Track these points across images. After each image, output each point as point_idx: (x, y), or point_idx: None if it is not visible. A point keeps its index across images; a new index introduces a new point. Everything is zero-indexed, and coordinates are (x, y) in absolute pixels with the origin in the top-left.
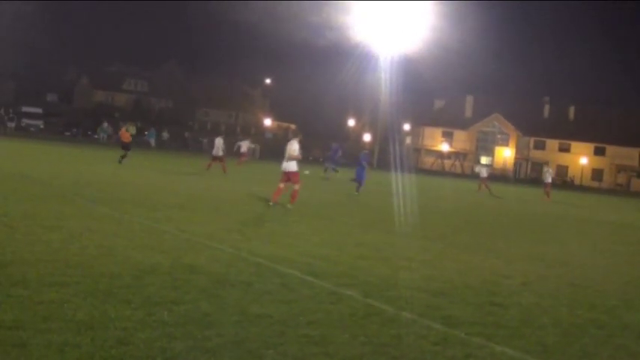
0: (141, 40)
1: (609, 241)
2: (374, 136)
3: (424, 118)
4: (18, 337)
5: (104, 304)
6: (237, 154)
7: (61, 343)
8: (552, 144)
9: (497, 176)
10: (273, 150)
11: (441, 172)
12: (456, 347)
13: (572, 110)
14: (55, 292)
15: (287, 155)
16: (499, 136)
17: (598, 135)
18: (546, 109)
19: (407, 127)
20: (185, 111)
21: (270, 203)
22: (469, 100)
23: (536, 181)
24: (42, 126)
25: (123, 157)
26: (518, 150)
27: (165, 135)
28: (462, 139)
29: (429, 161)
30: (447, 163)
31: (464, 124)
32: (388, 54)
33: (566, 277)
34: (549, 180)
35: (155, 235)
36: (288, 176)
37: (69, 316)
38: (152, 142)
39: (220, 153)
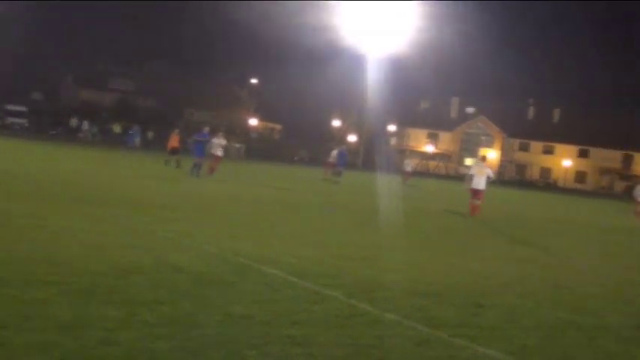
0: (127, 38)
1: (591, 242)
2: (359, 137)
3: (409, 119)
4: (0, 337)
5: (87, 304)
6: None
7: (43, 343)
8: (536, 146)
9: None
10: (259, 150)
11: (425, 173)
12: (439, 348)
13: (556, 112)
14: (38, 291)
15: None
16: (484, 138)
17: (582, 137)
18: (531, 110)
19: (392, 128)
20: (171, 110)
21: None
22: (454, 101)
23: (520, 182)
24: (26, 124)
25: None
26: (503, 151)
27: (150, 134)
28: (446, 141)
29: (413, 162)
30: (432, 164)
31: (449, 126)
32: (374, 55)
33: (548, 278)
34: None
35: (139, 234)
36: None
37: (52, 316)
38: (137, 141)
39: (219, 152)
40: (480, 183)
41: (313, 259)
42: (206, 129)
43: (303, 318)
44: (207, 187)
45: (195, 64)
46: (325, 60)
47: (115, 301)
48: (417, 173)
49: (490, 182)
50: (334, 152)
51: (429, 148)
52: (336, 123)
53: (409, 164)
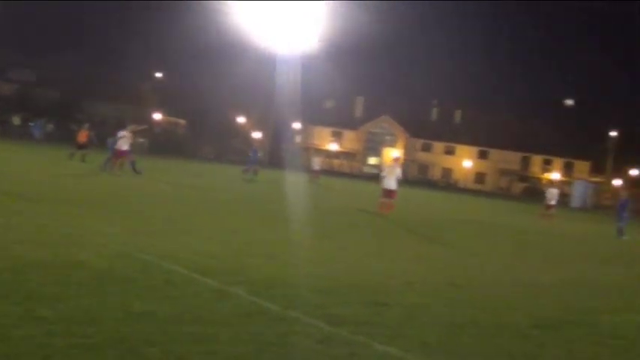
0: (27, 27)
1: (490, 242)
2: (264, 134)
3: (314, 117)
4: None
5: None
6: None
7: None
8: (439, 146)
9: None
10: (162, 145)
11: (330, 172)
12: (340, 346)
13: (458, 114)
14: None
15: None
16: (388, 137)
17: (482, 139)
18: (434, 111)
19: (297, 125)
20: (73, 103)
21: None
22: (359, 100)
23: (422, 182)
24: None
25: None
26: (406, 151)
27: (49, 127)
28: (351, 139)
29: (318, 160)
30: (336, 162)
31: (353, 125)
32: (281, 53)
33: (447, 276)
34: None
35: (38, 229)
36: None
37: None
38: (37, 133)
39: (125, 147)
40: (390, 183)
41: (217, 255)
42: (129, 127)
43: (205, 315)
44: (113, 182)
45: (99, 56)
46: (232, 57)
47: (11, 297)
48: (321, 171)
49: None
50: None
51: (333, 147)
52: (241, 119)
53: (317, 163)
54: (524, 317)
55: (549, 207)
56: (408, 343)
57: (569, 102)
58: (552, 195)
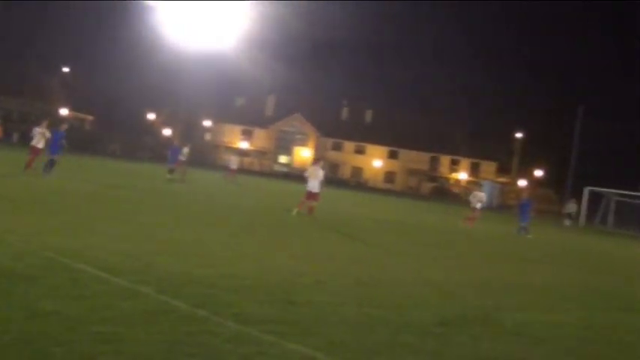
0: None
1: (399, 241)
2: (174, 131)
3: (225, 115)
4: None
5: None
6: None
7: None
8: (349, 146)
9: (295, 176)
10: (69, 141)
11: (240, 170)
12: (249, 345)
13: (369, 113)
14: None
15: None
16: (298, 136)
17: (392, 139)
18: (345, 111)
19: (208, 123)
20: None
21: None
22: (270, 99)
23: (332, 181)
24: None
25: None
26: (317, 150)
27: None
28: (261, 138)
29: (235, 159)
30: (246, 160)
31: (264, 123)
32: (192, 49)
33: (357, 275)
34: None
35: None
36: None
37: None
38: None
39: (40, 145)
40: (314, 186)
41: (128, 254)
42: (64, 126)
43: (113, 314)
44: (26, 181)
45: (3, 48)
46: (143, 53)
47: None
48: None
49: (304, 180)
50: (185, 149)
51: (244, 145)
52: (151, 116)
53: (235, 162)
54: (430, 315)
55: (474, 210)
56: (316, 341)
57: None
58: (478, 198)
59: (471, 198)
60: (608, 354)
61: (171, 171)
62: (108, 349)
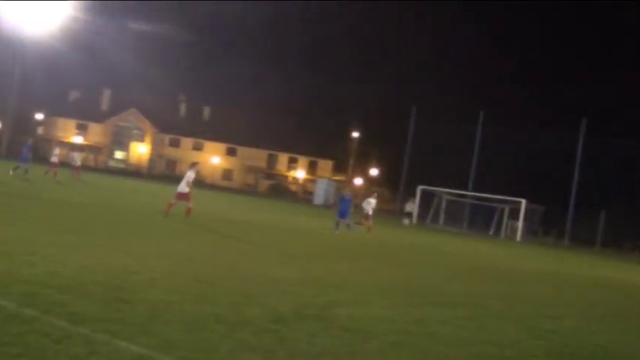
0: None
1: (237, 238)
2: (3, 125)
3: (59, 108)
4: None
5: None
6: None
7: None
8: (187, 142)
9: (132, 172)
10: None
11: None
12: (80, 345)
13: (207, 110)
14: None
15: None
16: (135, 132)
17: (230, 136)
18: (182, 107)
19: (40, 116)
20: None
21: None
22: (106, 93)
23: (169, 177)
24: None
25: None
26: (154, 146)
27: None
28: (97, 133)
29: (62, 153)
30: (82, 156)
31: (99, 117)
32: (22, 39)
33: (192, 273)
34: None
35: None
36: None
37: None
38: None
39: None
40: (182, 186)
41: None
42: (30, 140)
43: None
44: None
45: None
46: None
47: None
48: (64, 164)
49: (140, 176)
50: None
51: (78, 140)
52: None
53: (77, 158)
54: (265, 312)
55: (367, 217)
56: (150, 339)
57: (316, 103)
58: (370, 205)
59: (364, 205)
60: (431, 346)
61: (16, 168)
62: None
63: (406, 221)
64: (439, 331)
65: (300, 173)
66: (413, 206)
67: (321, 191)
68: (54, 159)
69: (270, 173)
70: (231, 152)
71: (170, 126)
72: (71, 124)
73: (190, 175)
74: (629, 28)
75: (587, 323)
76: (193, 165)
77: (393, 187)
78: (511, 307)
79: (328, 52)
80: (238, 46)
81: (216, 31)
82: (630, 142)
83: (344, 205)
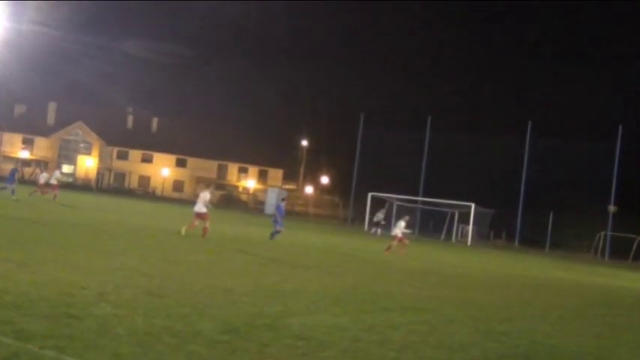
0: None
1: (184, 250)
2: None
3: (4, 123)
4: None
5: None
6: None
7: None
8: (135, 154)
9: (79, 186)
10: None
11: (20, 180)
12: None
13: (155, 122)
14: None
15: None
16: (82, 145)
17: (179, 147)
18: (130, 119)
19: None
20: None
21: None
22: (52, 106)
23: (119, 190)
24: None
25: None
26: (102, 159)
27: None
28: (43, 147)
29: (6, 168)
30: (28, 170)
31: (46, 131)
32: None
33: (143, 286)
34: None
35: None
36: None
37: None
38: None
39: None
40: (199, 207)
41: None
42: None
43: None
44: None
45: None
46: None
47: None
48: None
49: (88, 189)
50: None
51: (24, 154)
52: None
53: (44, 175)
54: (217, 324)
55: (398, 238)
56: (100, 355)
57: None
58: (400, 227)
59: (396, 230)
60: (381, 353)
61: (12, 191)
62: None
63: (378, 230)
64: (391, 337)
65: (250, 183)
66: (382, 216)
67: (272, 200)
68: (42, 180)
69: (220, 183)
70: (181, 163)
71: (118, 138)
72: (17, 138)
73: (205, 195)
74: (573, 30)
75: (541, 324)
76: (207, 186)
77: (344, 194)
78: (462, 310)
79: (275, 61)
80: (185, 57)
81: (163, 42)
82: (576, 143)
83: (278, 211)
